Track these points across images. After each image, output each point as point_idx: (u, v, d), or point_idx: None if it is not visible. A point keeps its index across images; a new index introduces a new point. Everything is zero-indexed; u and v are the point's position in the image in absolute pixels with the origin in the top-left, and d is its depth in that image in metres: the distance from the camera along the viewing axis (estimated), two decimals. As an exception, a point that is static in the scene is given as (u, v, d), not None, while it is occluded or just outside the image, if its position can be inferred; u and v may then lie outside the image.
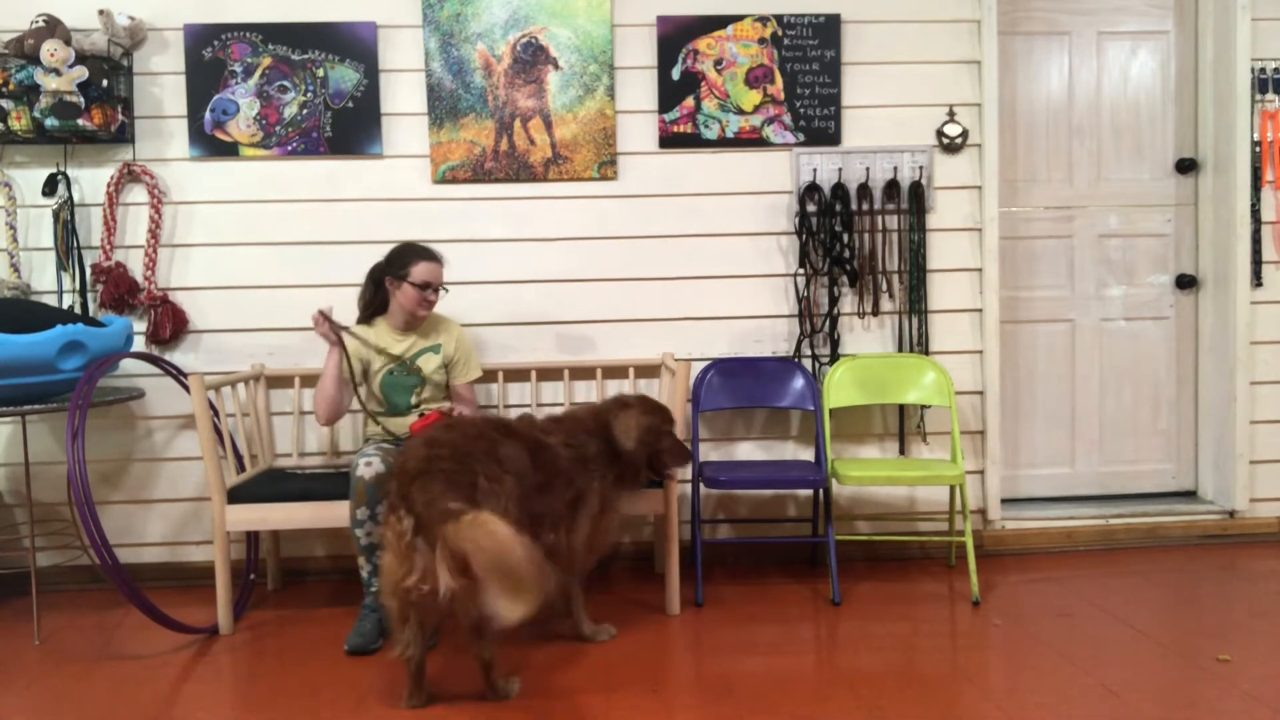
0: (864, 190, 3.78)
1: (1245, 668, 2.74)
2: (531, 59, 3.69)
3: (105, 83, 3.49)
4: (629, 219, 3.77)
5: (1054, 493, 4.14)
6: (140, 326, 3.67)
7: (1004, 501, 3.99)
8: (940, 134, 3.80)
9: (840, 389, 3.68)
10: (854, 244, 3.79)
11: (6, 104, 3.46)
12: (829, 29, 3.75)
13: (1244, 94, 3.87)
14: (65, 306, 3.60)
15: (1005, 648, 2.94)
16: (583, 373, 3.76)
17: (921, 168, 3.80)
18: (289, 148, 3.68)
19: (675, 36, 3.72)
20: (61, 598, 3.60)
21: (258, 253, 3.71)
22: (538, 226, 3.75)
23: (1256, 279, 3.92)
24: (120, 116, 3.56)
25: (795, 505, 3.89)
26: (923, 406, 3.82)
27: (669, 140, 3.75)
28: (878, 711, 2.52)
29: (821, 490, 3.67)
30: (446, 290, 3.36)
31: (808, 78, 3.75)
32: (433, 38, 3.67)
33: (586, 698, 2.63)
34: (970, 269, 3.84)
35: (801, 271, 3.79)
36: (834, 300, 3.79)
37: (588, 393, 3.77)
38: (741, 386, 3.71)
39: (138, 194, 3.67)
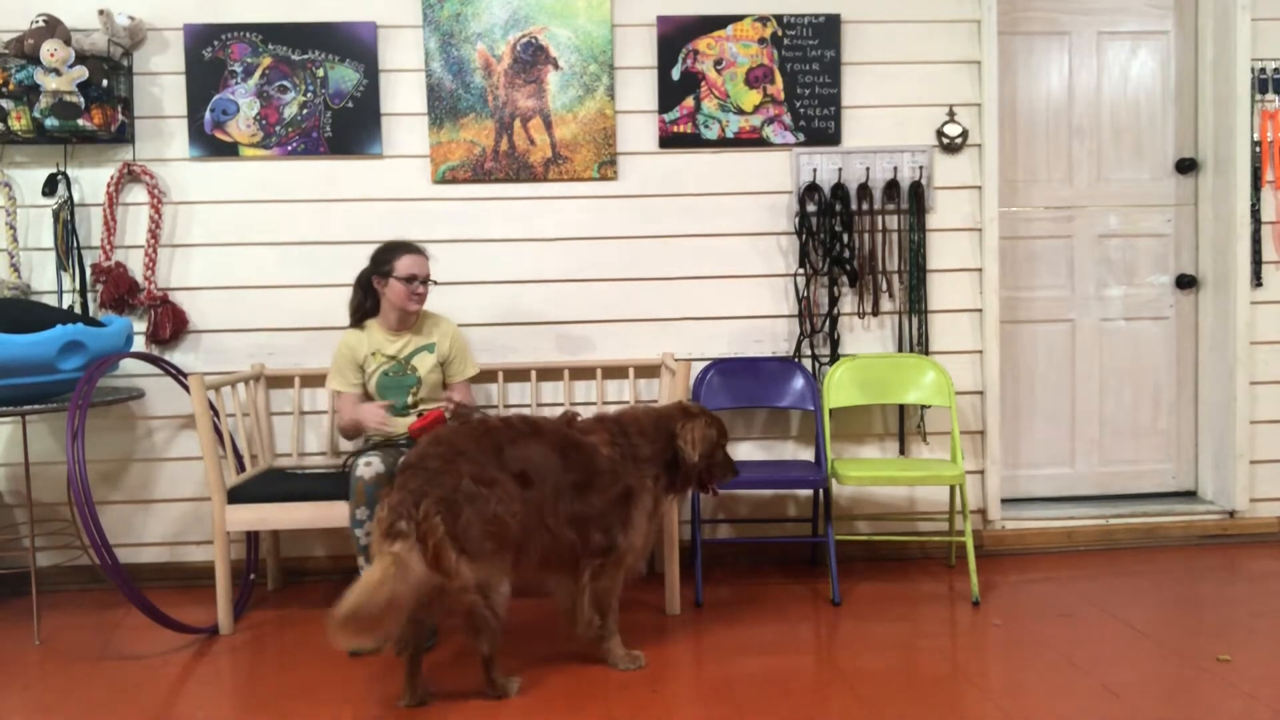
0: (864, 190, 3.78)
1: (1245, 668, 2.74)
2: (531, 59, 3.69)
3: (105, 83, 3.49)
4: (629, 219, 3.77)
5: (1054, 493, 4.14)
6: (140, 326, 3.67)
7: (1004, 501, 3.99)
8: (940, 134, 3.80)
9: (840, 389, 3.68)
10: (854, 244, 3.79)
11: (6, 104, 3.46)
12: (829, 29, 3.75)
13: (1244, 94, 3.87)
14: (65, 306, 3.60)
15: (1005, 648, 2.94)
16: (583, 373, 3.76)
17: (921, 168, 3.80)
18: (289, 148, 3.68)
19: (675, 36, 3.72)
20: (61, 598, 3.60)
21: (258, 253, 3.71)
22: (538, 226, 3.75)
23: (1256, 279, 3.92)
24: (120, 116, 3.56)
25: (795, 505, 3.89)
26: (923, 406, 3.82)
27: (669, 140, 3.75)
28: (878, 711, 2.52)
29: (821, 490, 3.67)
30: (435, 283, 3.36)
31: (808, 78, 3.75)
32: (433, 38, 3.67)
33: (586, 697, 2.63)
34: (970, 269, 3.84)
35: (801, 271, 3.79)
36: (834, 300, 3.79)
37: (587, 393, 3.77)
38: (741, 386, 3.71)
39: (138, 194, 3.67)
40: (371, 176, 3.72)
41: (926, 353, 3.82)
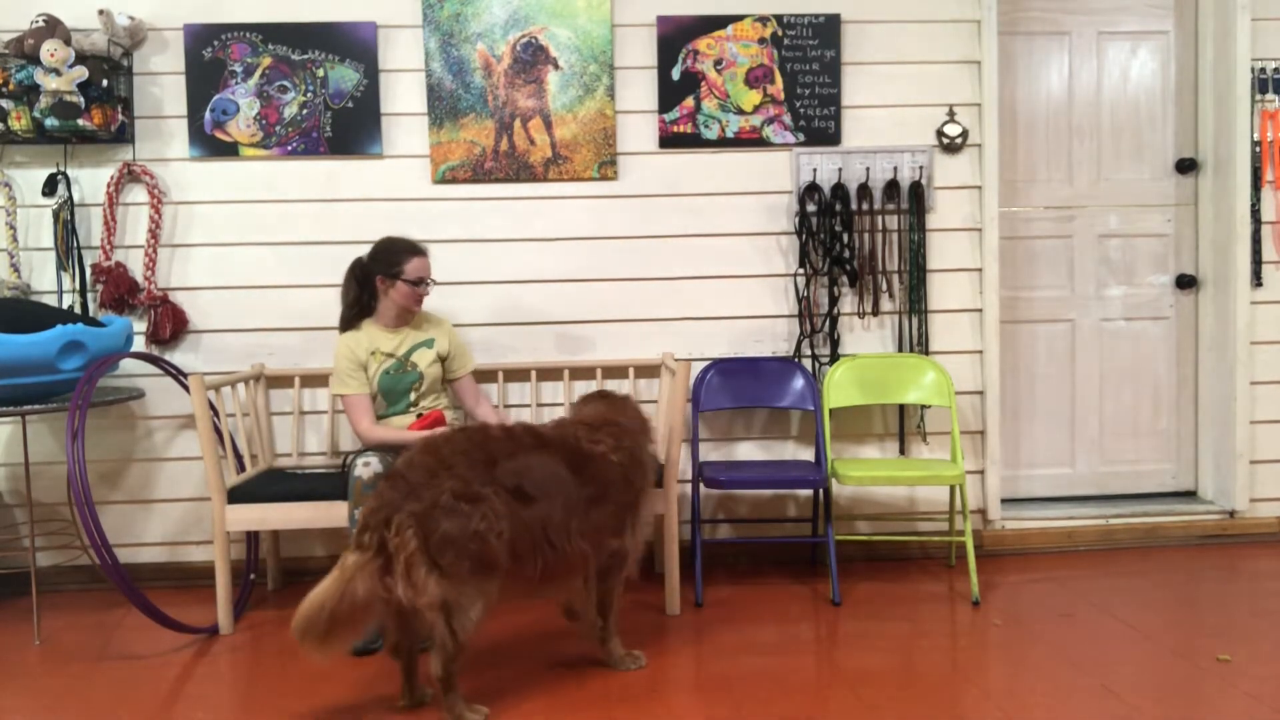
0: (864, 190, 3.78)
1: (1245, 668, 2.74)
2: (531, 59, 3.69)
3: (105, 83, 3.49)
4: (629, 219, 3.77)
5: (1054, 493, 4.14)
6: (140, 326, 3.67)
7: (1004, 501, 3.99)
8: (940, 134, 3.80)
9: (840, 389, 3.68)
10: (854, 244, 3.79)
11: (6, 104, 3.46)
12: (829, 29, 3.75)
13: (1244, 94, 3.87)
14: (65, 306, 3.60)
15: (1005, 648, 2.94)
16: (583, 373, 3.76)
17: (921, 168, 3.80)
18: (289, 148, 3.68)
19: (675, 36, 3.72)
20: (61, 598, 3.60)
21: (258, 253, 3.71)
22: (538, 226, 3.75)
23: (1256, 279, 3.92)
24: (120, 116, 3.56)
25: (795, 505, 3.89)
26: (923, 406, 3.82)
27: (669, 140, 3.75)
28: (878, 711, 2.52)
29: (821, 490, 3.67)
30: (435, 283, 3.36)
31: (808, 78, 3.75)
32: (433, 38, 3.67)
33: (586, 697, 2.63)
34: (970, 269, 3.85)
35: (801, 271, 3.79)
36: (834, 300, 3.79)
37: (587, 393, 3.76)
38: (741, 386, 3.71)
39: (138, 194, 3.67)
40: (371, 176, 3.72)
41: (926, 353, 3.82)
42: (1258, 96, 3.89)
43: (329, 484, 3.23)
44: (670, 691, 2.67)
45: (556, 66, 3.70)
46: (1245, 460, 3.96)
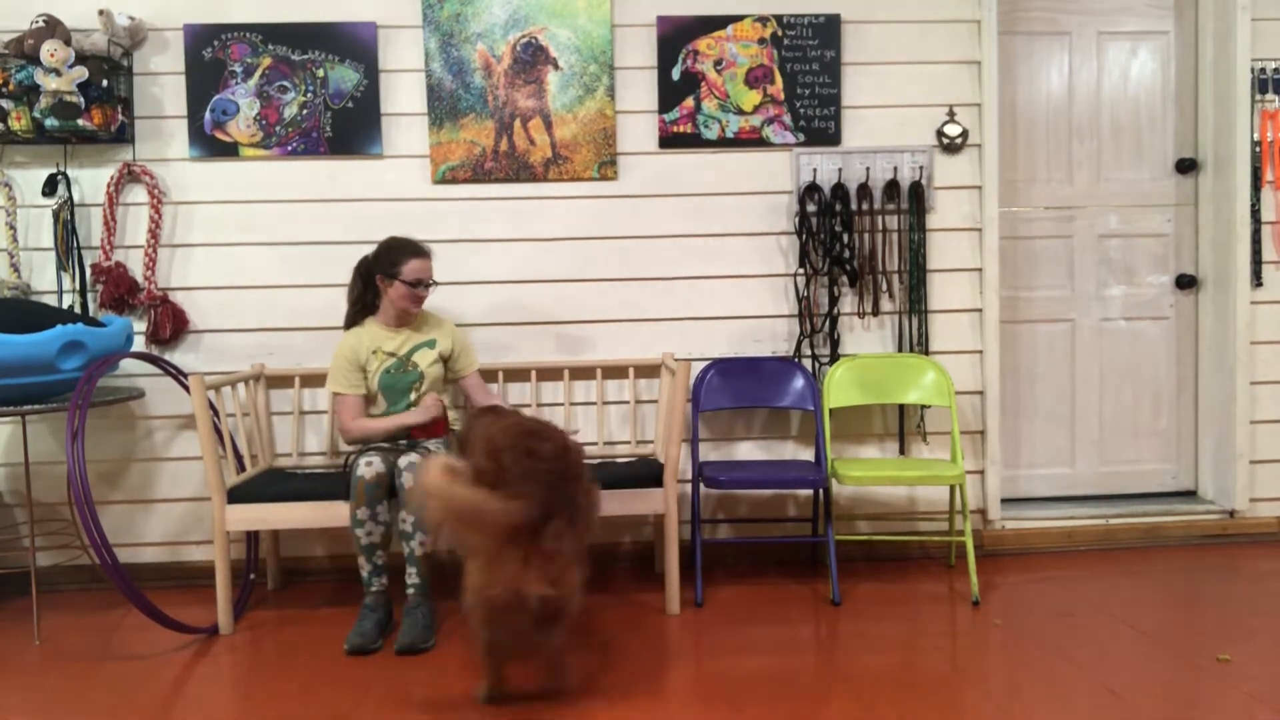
0: (864, 190, 3.78)
1: (1245, 668, 2.74)
2: (531, 59, 3.69)
3: (105, 83, 3.49)
4: (629, 219, 3.77)
5: (1054, 493, 4.14)
6: (140, 326, 3.67)
7: (1004, 501, 3.99)
8: (940, 134, 3.80)
9: (840, 389, 3.68)
10: (854, 244, 3.79)
11: (6, 104, 3.46)
12: (829, 29, 3.75)
13: (1244, 94, 3.87)
14: (65, 306, 3.60)
15: (1005, 648, 2.94)
16: (583, 373, 3.76)
17: (921, 168, 3.80)
18: (289, 148, 3.68)
19: (675, 37, 3.72)
20: (61, 598, 3.60)
21: (258, 253, 3.71)
22: (538, 227, 3.75)
23: (1256, 279, 3.92)
24: (120, 116, 3.56)
25: (795, 505, 3.89)
26: (923, 406, 3.82)
27: (669, 140, 3.75)
28: (878, 712, 2.52)
29: (821, 490, 3.67)
30: (436, 284, 3.38)
31: (808, 78, 3.75)
32: (433, 38, 3.67)
33: (586, 697, 2.63)
34: (970, 269, 3.85)
35: (801, 271, 3.79)
36: (834, 300, 3.79)
37: (587, 393, 3.77)
38: (741, 386, 3.71)
39: (138, 194, 3.67)
40: (371, 176, 3.72)
41: (926, 353, 3.82)
42: (1258, 96, 3.89)
43: (329, 484, 3.23)
44: (670, 691, 2.67)
45: (556, 67, 3.70)
46: (1245, 460, 3.96)
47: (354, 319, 3.43)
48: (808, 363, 3.79)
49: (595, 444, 3.75)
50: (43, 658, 3.04)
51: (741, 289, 3.81)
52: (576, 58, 3.70)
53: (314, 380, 3.68)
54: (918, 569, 3.74)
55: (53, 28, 3.42)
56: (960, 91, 3.81)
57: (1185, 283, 4.09)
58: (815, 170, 3.77)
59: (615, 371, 3.77)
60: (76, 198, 3.63)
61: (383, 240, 3.35)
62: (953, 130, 3.79)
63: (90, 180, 3.65)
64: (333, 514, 3.16)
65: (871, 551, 3.86)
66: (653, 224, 3.78)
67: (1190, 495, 4.16)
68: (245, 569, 3.56)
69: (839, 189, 3.76)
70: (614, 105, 3.73)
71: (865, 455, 3.86)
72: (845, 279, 3.81)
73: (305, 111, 3.67)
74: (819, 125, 3.77)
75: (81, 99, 3.44)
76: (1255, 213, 3.91)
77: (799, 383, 3.70)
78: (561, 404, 3.74)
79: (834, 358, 3.78)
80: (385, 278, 3.29)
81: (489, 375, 3.66)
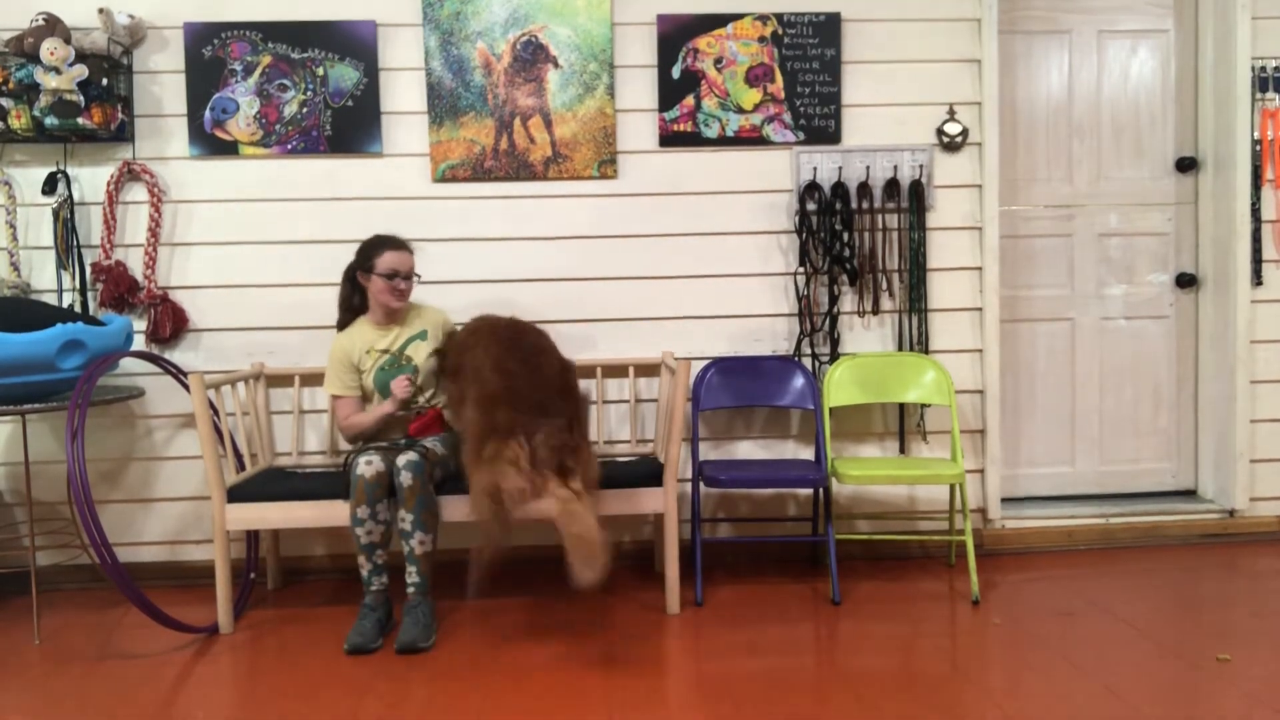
0: (864, 189, 3.78)
1: (1245, 668, 2.75)
2: (531, 57, 3.69)
3: (105, 81, 3.49)
4: (629, 218, 3.77)
5: (1054, 492, 4.14)
6: (140, 325, 3.66)
7: (1004, 500, 3.99)
8: (940, 133, 3.79)
9: (840, 388, 3.68)
10: (854, 243, 3.78)
11: (6, 103, 3.46)
12: (829, 27, 3.75)
13: (1244, 92, 3.87)
14: (65, 305, 3.60)
15: (1005, 648, 2.94)
16: (583, 372, 3.75)
17: (922, 166, 3.79)
18: (289, 146, 3.67)
19: (675, 35, 3.72)
20: (61, 597, 3.60)
21: (258, 252, 3.70)
22: (538, 225, 3.75)
23: (1257, 278, 3.92)
24: (120, 115, 3.56)
25: (795, 504, 3.89)
26: (923, 405, 3.82)
27: (669, 139, 3.75)
28: (878, 711, 2.52)
29: (821, 489, 3.67)
30: (419, 277, 3.39)
31: (808, 76, 3.75)
32: (433, 36, 3.66)
33: (586, 697, 2.63)
34: (970, 268, 3.84)
35: (801, 270, 3.79)
36: (834, 299, 3.79)
37: (587, 392, 3.76)
38: (741, 385, 3.71)
39: (137, 193, 3.66)
40: (371, 175, 3.71)
41: (926, 351, 3.82)
42: (1258, 95, 3.89)
43: (329, 483, 3.23)
44: (670, 692, 2.67)
45: (556, 65, 3.70)
46: (1245, 459, 3.96)
47: (344, 322, 3.46)
48: (808, 361, 3.79)
49: (596, 443, 3.75)
50: (43, 658, 3.04)
51: (741, 288, 3.81)
52: (576, 56, 3.70)
53: (314, 379, 3.68)
54: (918, 568, 3.74)
55: (52, 26, 3.42)
56: (960, 90, 3.81)
57: (1185, 281, 4.09)
58: (815, 169, 3.77)
59: (615, 370, 3.77)
60: (76, 196, 3.63)
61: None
62: (953, 129, 3.79)
63: (90, 179, 3.65)
64: (332, 513, 3.16)
65: (871, 551, 3.86)
66: (653, 223, 3.77)
67: (1190, 494, 4.16)
68: (245, 568, 3.56)
69: (839, 188, 3.76)
70: (614, 104, 3.73)
71: (865, 454, 3.86)
72: (845, 278, 3.81)
73: (305, 110, 3.66)
74: (819, 124, 3.77)
75: (81, 97, 3.43)
76: (1255, 211, 3.91)
77: (799, 382, 3.70)
78: (561, 403, 3.73)
79: (834, 357, 3.78)
80: (364, 273, 3.36)
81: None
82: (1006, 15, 3.93)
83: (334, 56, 3.66)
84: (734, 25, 3.73)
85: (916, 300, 3.80)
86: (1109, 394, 4.13)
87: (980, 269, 3.84)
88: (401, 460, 3.06)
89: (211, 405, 3.26)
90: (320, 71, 3.66)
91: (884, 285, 3.83)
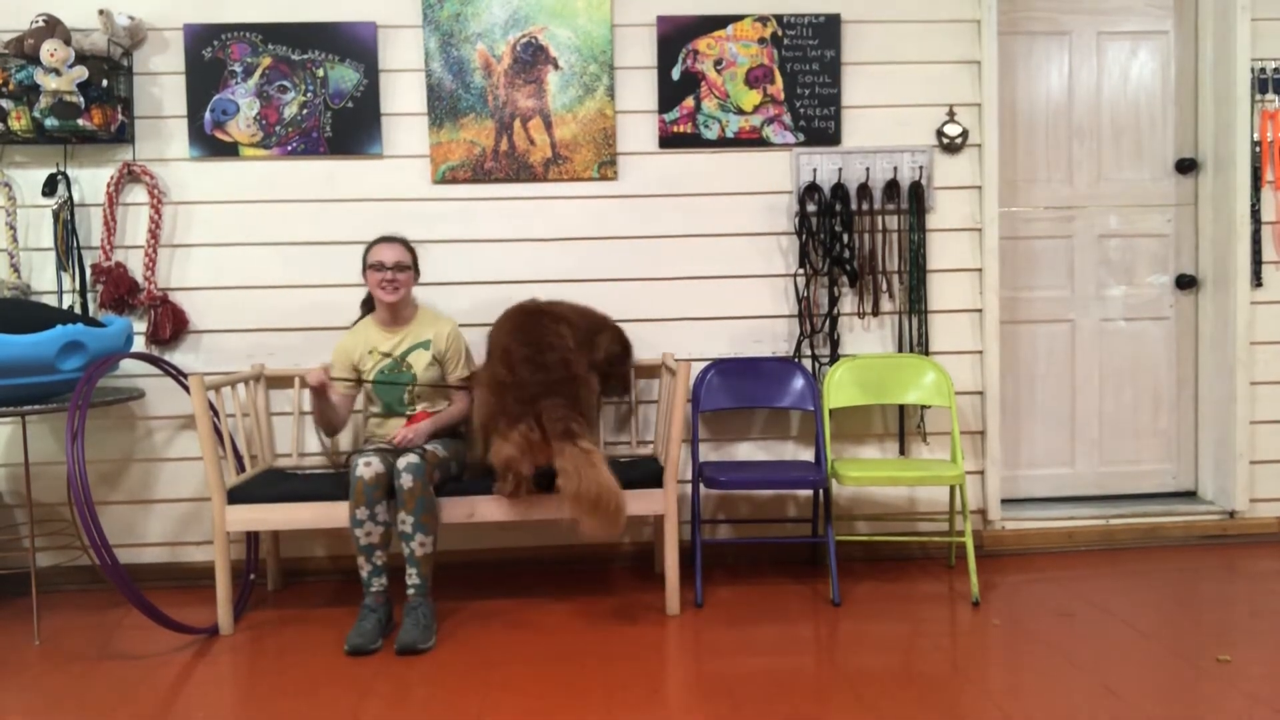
0: (864, 190, 3.78)
1: (1245, 668, 2.74)
2: (531, 59, 3.69)
3: (105, 83, 3.49)
4: (629, 219, 3.77)
5: (1054, 493, 4.14)
6: (140, 327, 3.67)
7: (1004, 502, 3.99)
8: (940, 134, 3.80)
9: (840, 389, 3.68)
10: (854, 244, 3.79)
11: (6, 104, 3.46)
12: (829, 29, 3.75)
13: (1244, 94, 3.87)
14: (65, 307, 3.60)
15: (1005, 648, 2.94)
16: (583, 373, 3.76)
17: (921, 168, 3.80)
18: (289, 148, 3.68)
19: (675, 36, 3.72)
20: (61, 598, 3.60)
21: (258, 253, 3.71)
22: (538, 226, 3.75)
23: (1256, 279, 3.92)
24: (120, 116, 3.56)
25: (795, 505, 3.89)
26: (923, 407, 3.82)
27: (669, 140, 3.75)
28: (877, 711, 2.52)
29: (821, 490, 3.67)
30: (411, 270, 3.38)
31: (808, 78, 3.75)
32: (433, 38, 3.67)
33: (586, 697, 2.63)
34: (970, 269, 3.84)
35: (801, 271, 3.79)
36: (834, 300, 3.79)
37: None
38: (741, 386, 3.71)
39: (138, 194, 3.67)
40: (371, 176, 3.72)
41: (926, 353, 3.82)
42: (1258, 96, 3.89)
43: (329, 484, 3.23)
44: (670, 692, 2.67)
45: (556, 66, 3.70)
46: (1245, 460, 3.96)
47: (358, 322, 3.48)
48: (808, 363, 3.79)
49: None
50: (43, 658, 3.04)
51: (741, 289, 3.81)
52: (576, 57, 3.70)
53: (314, 380, 3.68)
54: (918, 569, 3.74)
55: (52, 27, 3.42)
56: (960, 91, 3.81)
57: (1185, 283, 4.09)
58: (815, 170, 3.77)
59: (615, 371, 3.77)
60: (76, 198, 3.63)
61: None
62: (953, 130, 3.79)
63: (90, 180, 3.65)
64: (332, 514, 3.16)
65: (871, 552, 3.86)
66: (653, 224, 3.78)
67: (1190, 495, 4.16)
68: (245, 569, 3.56)
69: (839, 189, 3.76)
70: (614, 105, 3.73)
71: (865, 455, 3.86)
72: (845, 279, 3.81)
73: (305, 111, 3.67)
74: (819, 125, 3.77)
75: (81, 99, 3.44)
76: (1255, 213, 3.91)
77: (799, 383, 3.70)
78: (561, 404, 3.73)
79: (834, 358, 3.78)
80: (362, 271, 3.40)
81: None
82: (1006, 16, 3.94)
83: (334, 58, 3.66)
84: (734, 27, 3.74)
85: (916, 301, 3.80)
86: (1109, 395, 4.13)
87: (980, 270, 3.84)
88: (402, 462, 3.06)
89: (211, 406, 3.26)
90: (320, 73, 3.66)
91: (884, 286, 3.83)
